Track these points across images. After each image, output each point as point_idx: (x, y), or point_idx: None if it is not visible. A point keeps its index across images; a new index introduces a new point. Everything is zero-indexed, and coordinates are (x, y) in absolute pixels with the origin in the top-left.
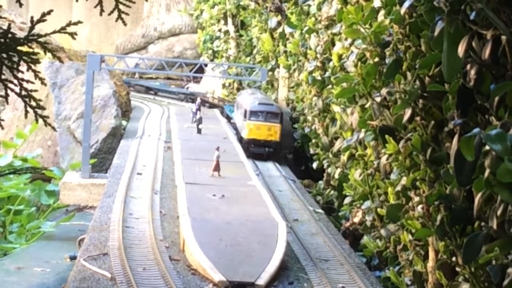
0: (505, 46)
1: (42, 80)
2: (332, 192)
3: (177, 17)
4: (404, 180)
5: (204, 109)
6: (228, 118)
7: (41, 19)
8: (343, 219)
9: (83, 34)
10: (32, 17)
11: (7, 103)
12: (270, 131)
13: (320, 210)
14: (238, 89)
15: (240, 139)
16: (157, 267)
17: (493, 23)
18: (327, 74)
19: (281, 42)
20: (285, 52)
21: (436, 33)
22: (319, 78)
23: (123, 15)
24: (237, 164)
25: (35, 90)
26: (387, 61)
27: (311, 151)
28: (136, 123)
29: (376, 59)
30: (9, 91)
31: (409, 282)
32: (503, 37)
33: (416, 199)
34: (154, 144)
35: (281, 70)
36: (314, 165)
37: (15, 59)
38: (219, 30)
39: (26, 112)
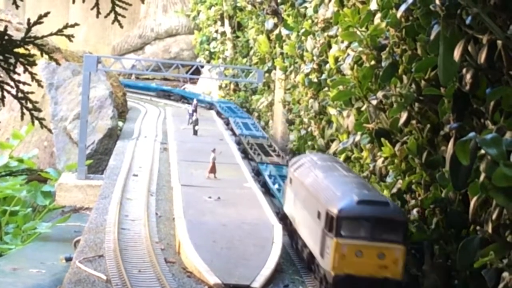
0: (501, 50)
1: (38, 82)
2: None
3: (174, 18)
4: (399, 183)
5: (201, 110)
6: (264, 186)
7: (38, 21)
8: None
9: (80, 34)
10: (29, 19)
11: (3, 104)
12: (384, 260)
13: None
14: (234, 91)
15: (311, 267)
16: (153, 269)
17: (489, 27)
18: (324, 76)
19: (278, 44)
20: (282, 54)
21: (432, 37)
22: (315, 80)
23: (119, 17)
24: (233, 166)
25: (32, 92)
26: (383, 64)
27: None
28: (133, 124)
29: (372, 62)
30: (5, 93)
31: None
32: (499, 42)
33: (412, 202)
34: (150, 145)
35: (278, 72)
36: None
37: (12, 60)
38: (216, 31)
39: (22, 114)
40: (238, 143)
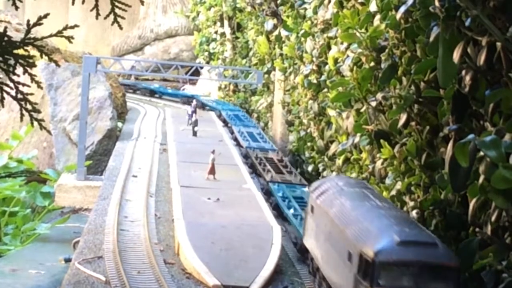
0: (500, 52)
1: (38, 83)
2: None
3: (174, 18)
4: (399, 185)
5: (200, 112)
6: (277, 208)
7: (38, 23)
8: None
9: (80, 35)
10: (28, 20)
11: (3, 105)
12: None
13: None
14: (234, 91)
15: None
16: (152, 271)
17: (488, 29)
18: (323, 77)
19: (277, 45)
20: (281, 55)
21: (431, 39)
22: (314, 81)
23: (119, 18)
24: (233, 167)
25: (31, 94)
26: (382, 65)
27: (307, 154)
28: (132, 125)
29: (372, 64)
30: (4, 94)
31: None
32: (498, 44)
33: (411, 204)
34: (149, 146)
35: (277, 73)
36: (310, 168)
37: (11, 62)
38: (216, 32)
39: (22, 115)
40: (245, 156)
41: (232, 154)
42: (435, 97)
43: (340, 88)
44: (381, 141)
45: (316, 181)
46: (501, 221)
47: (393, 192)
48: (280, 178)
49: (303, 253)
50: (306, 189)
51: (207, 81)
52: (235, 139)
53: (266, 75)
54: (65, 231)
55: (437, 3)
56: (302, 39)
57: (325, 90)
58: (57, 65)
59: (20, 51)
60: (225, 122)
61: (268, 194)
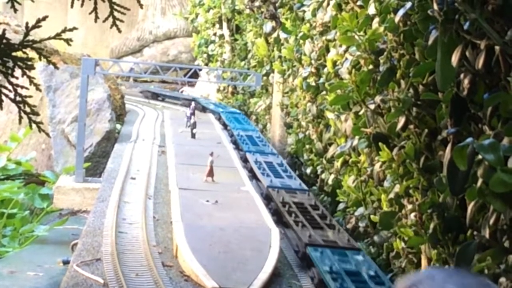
0: (499, 56)
1: (37, 86)
2: (325, 198)
3: (172, 20)
4: (397, 188)
5: (199, 114)
6: (321, 285)
7: (36, 25)
8: None
9: (78, 37)
10: (27, 23)
11: (1, 108)
12: None
13: None
14: (232, 93)
15: None
16: (150, 273)
17: (487, 33)
18: (322, 80)
19: (276, 47)
20: (280, 57)
21: (430, 42)
22: (313, 84)
23: (117, 21)
24: (231, 169)
25: (30, 96)
26: (381, 68)
27: (305, 157)
28: (131, 127)
29: (370, 67)
30: (3, 97)
31: None
32: (497, 47)
33: (409, 206)
34: (148, 148)
35: (276, 75)
36: (308, 170)
37: (10, 64)
38: (214, 34)
39: (20, 117)
40: (267, 197)
41: (231, 156)
42: (433, 100)
43: (338, 91)
44: (380, 144)
45: (403, 279)
46: (499, 224)
47: (392, 195)
48: (322, 238)
49: None
50: (361, 257)
51: (206, 83)
52: (251, 170)
53: (264, 77)
54: (64, 233)
55: (435, 7)
56: (301, 41)
57: (324, 92)
58: (56, 67)
59: (19, 54)
60: (235, 144)
61: (305, 260)
